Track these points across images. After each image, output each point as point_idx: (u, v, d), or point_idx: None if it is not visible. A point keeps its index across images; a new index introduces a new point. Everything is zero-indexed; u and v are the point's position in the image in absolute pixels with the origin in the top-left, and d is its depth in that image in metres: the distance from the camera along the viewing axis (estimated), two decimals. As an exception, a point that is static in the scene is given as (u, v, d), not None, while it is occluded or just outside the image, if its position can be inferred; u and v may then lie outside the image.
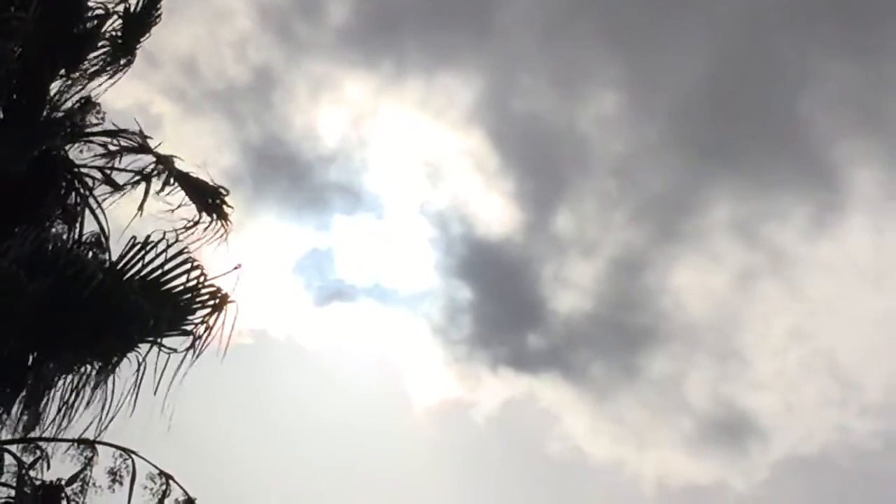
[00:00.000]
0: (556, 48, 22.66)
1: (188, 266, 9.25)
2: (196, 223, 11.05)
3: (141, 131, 11.01)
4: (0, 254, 8.00)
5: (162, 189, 11.09)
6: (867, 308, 23.13)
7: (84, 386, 9.90)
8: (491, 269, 23.90)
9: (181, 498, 11.05)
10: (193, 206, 11.23)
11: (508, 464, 21.68)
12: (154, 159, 11.30)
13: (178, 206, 11.21)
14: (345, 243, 22.33)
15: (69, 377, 9.85)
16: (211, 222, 11.15)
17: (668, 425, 22.77)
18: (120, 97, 11.47)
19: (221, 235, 11.26)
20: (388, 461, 19.68)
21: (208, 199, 11.13)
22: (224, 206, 11.22)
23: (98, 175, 11.05)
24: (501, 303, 23.86)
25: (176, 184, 11.25)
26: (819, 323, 23.51)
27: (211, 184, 11.12)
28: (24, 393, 9.83)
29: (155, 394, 9.58)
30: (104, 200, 10.93)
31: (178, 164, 11.36)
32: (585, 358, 23.43)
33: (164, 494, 11.01)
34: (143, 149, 10.97)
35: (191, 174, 11.11)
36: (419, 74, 21.98)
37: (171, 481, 11.07)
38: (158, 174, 10.93)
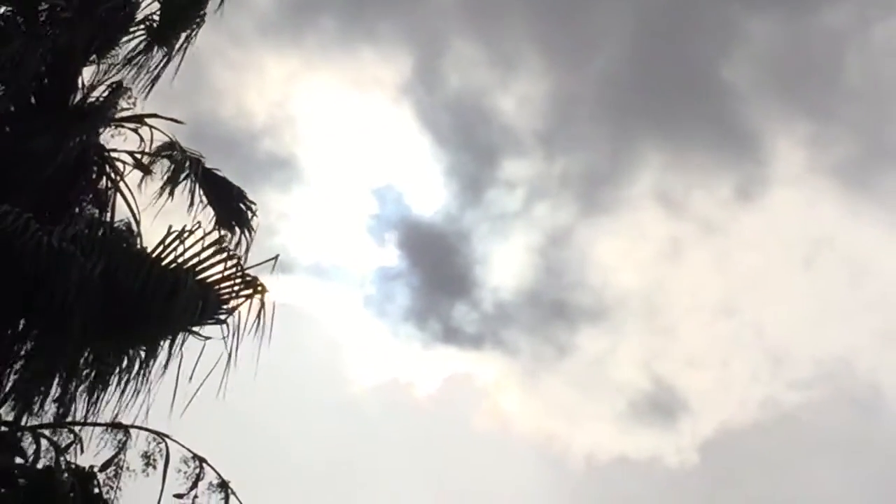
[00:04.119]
0: (482, 21, 22.62)
1: (224, 255, 9.23)
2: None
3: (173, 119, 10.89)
4: (49, 234, 7.96)
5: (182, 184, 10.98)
6: (793, 281, 23.34)
7: (120, 371, 9.96)
8: (425, 246, 24.23)
9: (215, 481, 11.16)
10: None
11: (439, 439, 21.86)
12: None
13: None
14: (279, 219, 22.47)
15: (109, 362, 9.89)
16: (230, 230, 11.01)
17: (598, 401, 23.06)
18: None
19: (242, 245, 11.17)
20: (321, 437, 19.80)
21: (233, 203, 11.06)
22: (249, 214, 11.14)
23: (129, 160, 11.00)
24: (436, 279, 24.15)
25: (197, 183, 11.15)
26: (747, 297, 23.74)
27: (237, 189, 11.10)
28: (59, 377, 9.88)
29: (190, 380, 9.59)
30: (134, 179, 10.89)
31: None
32: (517, 334, 23.80)
33: (198, 478, 11.10)
34: (172, 146, 10.89)
35: (219, 174, 11.06)
36: (348, 52, 22.01)
37: (204, 464, 11.17)
38: (185, 174, 10.83)
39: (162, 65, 10.62)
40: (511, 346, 23.65)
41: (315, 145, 21.89)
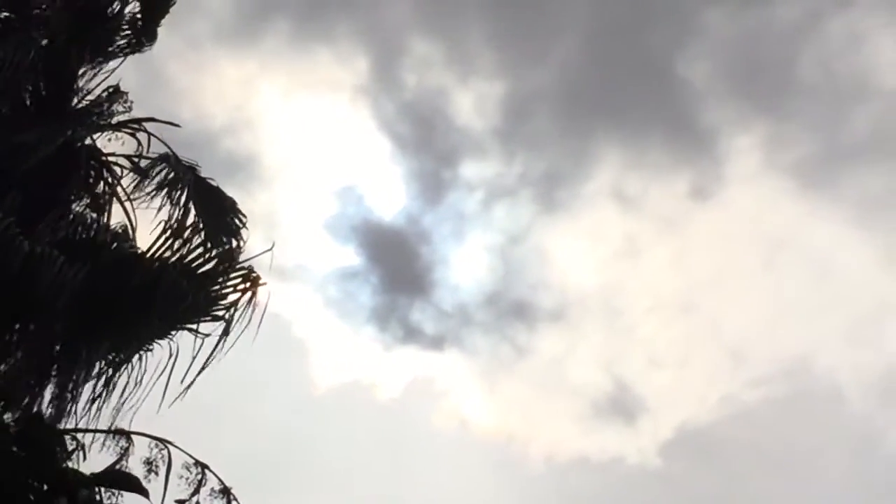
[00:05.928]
0: (437, 21, 22.67)
1: (219, 250, 9.17)
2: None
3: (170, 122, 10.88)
4: (36, 237, 7.89)
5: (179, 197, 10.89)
6: (752, 279, 23.21)
7: (120, 374, 9.86)
8: (386, 247, 24.32)
9: (217, 487, 11.00)
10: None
11: (401, 440, 21.63)
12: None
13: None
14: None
15: (104, 365, 9.79)
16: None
17: (557, 401, 22.89)
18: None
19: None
20: (284, 439, 19.66)
21: (225, 213, 10.95)
22: (240, 229, 11.01)
23: (126, 164, 10.97)
24: (397, 280, 24.15)
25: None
26: (705, 295, 23.59)
27: (230, 200, 11.00)
28: (59, 382, 9.79)
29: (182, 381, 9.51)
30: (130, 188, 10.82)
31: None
32: (477, 334, 23.78)
33: (200, 484, 10.95)
34: (167, 158, 10.84)
35: (212, 184, 10.98)
36: (304, 54, 22.05)
37: (206, 470, 11.01)
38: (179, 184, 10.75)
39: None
40: (471, 347, 23.80)
41: (275, 147, 21.92)
